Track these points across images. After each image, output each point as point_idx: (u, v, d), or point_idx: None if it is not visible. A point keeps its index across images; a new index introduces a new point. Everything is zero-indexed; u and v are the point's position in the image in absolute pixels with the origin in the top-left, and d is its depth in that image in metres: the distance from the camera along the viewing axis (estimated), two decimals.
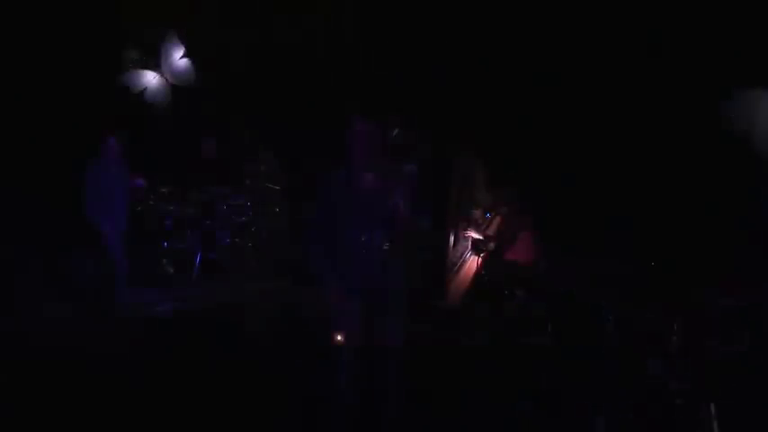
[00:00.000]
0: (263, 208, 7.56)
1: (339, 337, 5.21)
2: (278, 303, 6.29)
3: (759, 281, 4.74)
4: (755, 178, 6.64)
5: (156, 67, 7.63)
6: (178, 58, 7.68)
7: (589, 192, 7.34)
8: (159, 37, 7.59)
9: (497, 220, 6.73)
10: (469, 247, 6.69)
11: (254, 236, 7.48)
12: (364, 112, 7.60)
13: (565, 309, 5.16)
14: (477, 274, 6.46)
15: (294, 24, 8.00)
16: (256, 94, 7.99)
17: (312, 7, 7.99)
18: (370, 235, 4.08)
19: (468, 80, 7.88)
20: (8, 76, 6.92)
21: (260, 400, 4.28)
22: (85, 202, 6.09)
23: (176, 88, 7.74)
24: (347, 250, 4.05)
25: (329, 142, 7.87)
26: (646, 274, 5.17)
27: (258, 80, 8.02)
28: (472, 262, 6.59)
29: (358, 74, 8.04)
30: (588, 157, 7.47)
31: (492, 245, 6.56)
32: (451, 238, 6.44)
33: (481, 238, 6.55)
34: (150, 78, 7.65)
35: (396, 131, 7.45)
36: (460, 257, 6.66)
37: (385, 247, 4.19)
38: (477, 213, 6.73)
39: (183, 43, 7.65)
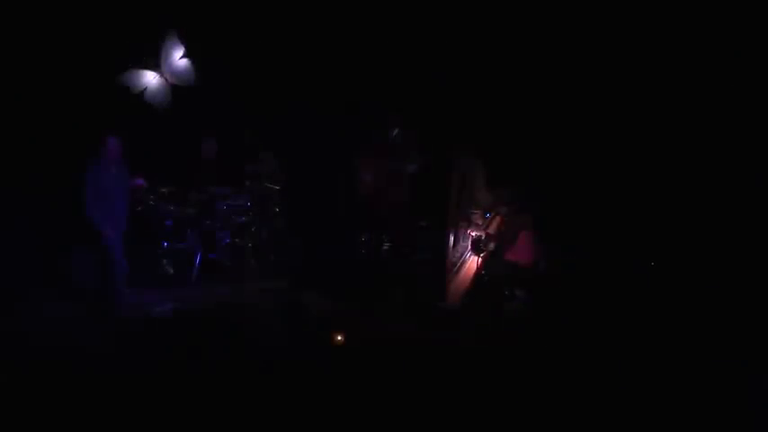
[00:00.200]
0: (263, 208, 7.55)
1: (339, 337, 5.23)
2: (278, 303, 6.28)
3: None
4: None
5: (156, 67, 7.63)
6: (178, 58, 7.67)
7: (589, 191, 7.35)
8: (159, 37, 7.59)
9: (497, 220, 6.73)
10: (469, 247, 6.70)
11: (254, 236, 7.47)
12: (364, 112, 7.65)
13: None
14: (477, 274, 6.46)
15: (294, 24, 8.01)
16: (256, 95, 7.99)
17: (312, 7, 8.00)
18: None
19: (468, 80, 7.88)
20: (8, 76, 6.92)
21: (260, 399, 4.27)
22: (85, 202, 6.09)
23: (176, 88, 7.74)
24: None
25: (329, 142, 7.91)
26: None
27: (258, 80, 8.02)
28: (472, 262, 6.59)
29: (358, 74, 8.04)
30: (588, 156, 7.48)
31: (492, 245, 6.57)
32: (451, 238, 6.44)
33: (483, 236, 6.56)
34: (150, 78, 7.65)
35: (396, 131, 7.45)
36: (460, 257, 6.67)
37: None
38: (477, 213, 6.74)
39: (182, 43, 7.65)
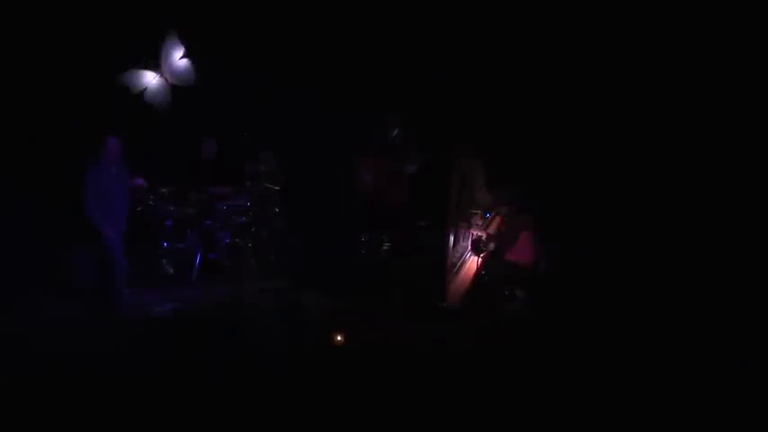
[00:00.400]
0: (263, 208, 7.55)
1: (339, 337, 5.23)
2: (278, 303, 6.28)
3: None
4: None
5: (156, 67, 7.63)
6: (178, 58, 7.67)
7: (589, 191, 7.35)
8: (159, 37, 7.59)
9: (497, 220, 6.73)
10: (469, 247, 6.70)
11: (254, 236, 7.47)
12: (364, 113, 7.65)
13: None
14: (477, 274, 6.46)
15: (294, 24, 8.02)
16: (256, 95, 7.99)
17: (312, 7, 8.00)
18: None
19: (468, 81, 7.88)
20: (8, 76, 6.92)
21: (260, 400, 4.27)
22: (85, 201, 6.09)
23: (176, 88, 7.74)
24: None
25: (329, 142, 7.91)
26: None
27: (258, 80, 8.02)
28: (472, 262, 6.59)
29: (358, 74, 8.04)
30: (588, 156, 7.48)
31: (492, 245, 6.57)
32: (451, 238, 6.44)
33: (483, 236, 6.55)
34: (150, 78, 7.65)
35: (396, 132, 7.45)
36: (460, 257, 6.66)
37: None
38: (477, 214, 6.73)
39: (182, 43, 7.65)
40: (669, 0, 7.13)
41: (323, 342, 5.22)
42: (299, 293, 6.39)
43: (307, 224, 7.75)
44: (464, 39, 7.88)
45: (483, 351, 5.19)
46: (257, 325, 5.77)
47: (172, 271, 7.15)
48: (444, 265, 6.31)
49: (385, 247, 7.51)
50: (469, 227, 6.75)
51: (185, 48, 7.66)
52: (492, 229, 6.69)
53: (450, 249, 6.40)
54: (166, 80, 7.70)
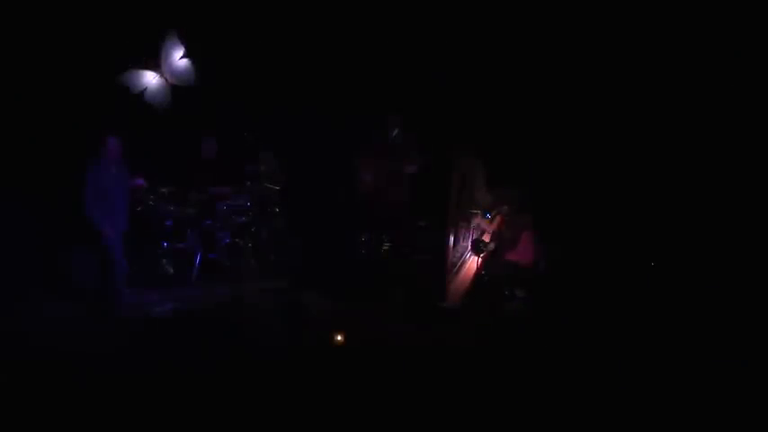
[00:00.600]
0: (262, 208, 7.55)
1: (339, 337, 5.23)
2: (278, 303, 6.28)
3: None
4: None
5: (156, 67, 7.63)
6: (178, 58, 7.67)
7: (589, 191, 7.35)
8: (159, 37, 7.59)
9: (498, 219, 6.73)
10: (469, 247, 6.70)
11: (254, 236, 7.47)
12: (364, 112, 7.65)
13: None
14: (477, 274, 6.46)
15: (294, 24, 8.02)
16: (256, 95, 7.99)
17: (312, 7, 8.00)
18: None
19: (468, 81, 7.88)
20: (8, 76, 6.92)
21: (260, 400, 4.27)
22: (85, 201, 6.09)
23: (176, 88, 7.74)
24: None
25: (329, 142, 7.91)
26: None
27: (258, 80, 8.02)
28: (472, 262, 6.59)
29: (358, 74, 8.04)
30: (588, 157, 7.48)
31: (492, 245, 6.57)
32: (451, 238, 6.44)
33: (489, 233, 6.55)
34: (150, 78, 7.65)
35: (396, 131, 7.45)
36: (460, 257, 6.66)
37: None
38: (477, 214, 6.73)
39: (182, 43, 7.65)
40: (669, 0, 7.13)
41: (323, 342, 5.22)
42: (299, 293, 6.39)
43: (307, 224, 7.75)
44: (464, 39, 7.88)
45: (483, 351, 5.19)
46: (257, 325, 5.77)
47: (172, 271, 7.15)
48: (444, 265, 6.31)
49: (385, 247, 7.51)
50: (469, 227, 6.74)
51: (185, 48, 7.66)
52: (493, 229, 6.69)
53: (450, 249, 6.39)
54: (166, 80, 7.69)
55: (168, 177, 7.16)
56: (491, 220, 6.73)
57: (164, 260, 7.14)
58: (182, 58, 7.68)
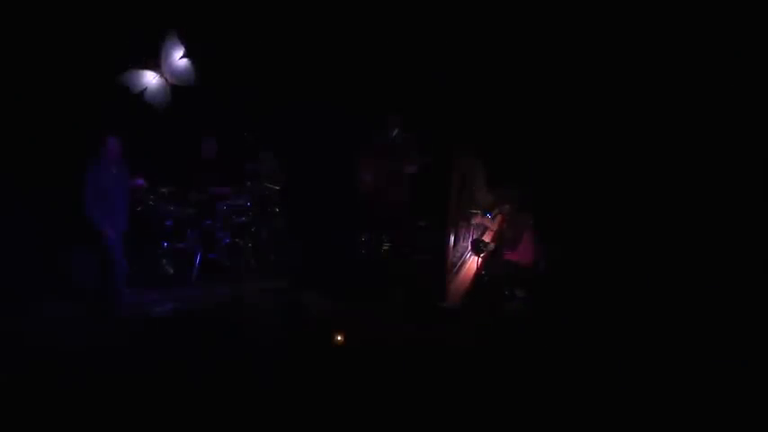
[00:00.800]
0: (263, 208, 7.55)
1: (339, 337, 5.23)
2: (278, 303, 6.28)
3: None
4: None
5: (156, 67, 7.63)
6: (178, 58, 7.68)
7: (589, 191, 7.35)
8: (159, 37, 7.59)
9: (498, 219, 6.73)
10: (469, 247, 6.69)
11: (254, 236, 7.47)
12: (364, 112, 7.65)
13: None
14: (477, 274, 6.46)
15: (294, 24, 8.02)
16: (256, 95, 7.99)
17: (312, 7, 8.00)
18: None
19: (468, 81, 7.88)
20: (8, 76, 6.92)
21: (260, 400, 4.27)
22: (85, 201, 6.09)
23: (176, 88, 7.74)
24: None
25: (329, 142, 7.91)
26: None
27: (258, 80, 8.02)
28: (472, 262, 6.59)
29: (358, 74, 8.04)
30: (588, 156, 7.48)
31: (492, 245, 6.56)
32: (451, 238, 6.43)
33: (492, 229, 6.55)
34: (150, 78, 7.65)
35: (396, 131, 7.45)
36: (460, 257, 6.66)
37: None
38: (478, 213, 6.72)
39: (182, 43, 7.65)
40: (669, 0, 7.13)
41: (323, 342, 5.22)
42: (299, 293, 6.39)
43: (307, 224, 7.75)
44: (464, 39, 7.88)
45: (483, 351, 5.19)
46: (257, 325, 5.77)
47: (172, 271, 7.15)
48: (444, 265, 6.31)
49: (385, 247, 7.51)
50: (469, 227, 6.74)
51: (185, 48, 7.66)
52: (494, 228, 6.69)
53: (451, 249, 6.39)
54: (166, 80, 7.70)
55: (168, 177, 7.16)
56: (492, 219, 6.73)
57: (164, 260, 7.14)
58: (182, 58, 7.68)
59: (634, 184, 7.30)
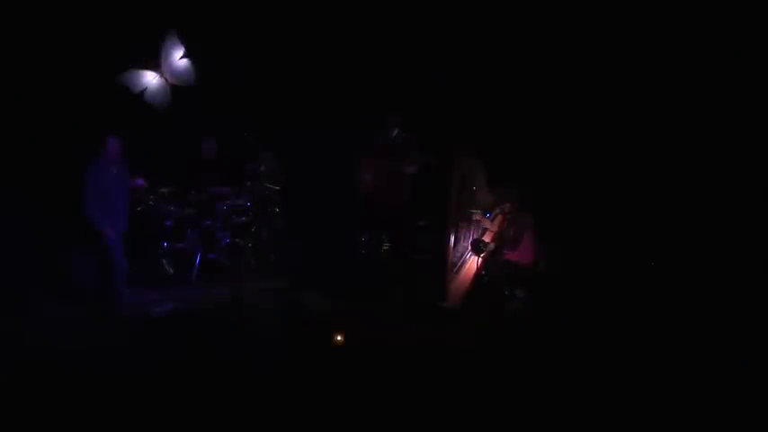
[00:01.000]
0: (263, 208, 7.55)
1: (339, 337, 5.23)
2: (278, 303, 6.28)
3: None
4: None
5: (156, 67, 7.63)
6: (178, 58, 7.68)
7: (589, 191, 7.35)
8: (159, 37, 7.59)
9: (499, 219, 6.73)
10: (469, 247, 6.70)
11: (254, 236, 7.48)
12: (364, 112, 7.65)
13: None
14: (477, 274, 6.46)
15: (294, 24, 8.02)
16: (256, 95, 7.99)
17: (312, 7, 8.00)
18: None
19: (468, 81, 7.88)
20: (8, 76, 6.92)
21: (260, 400, 4.27)
22: (85, 202, 6.09)
23: (176, 88, 7.74)
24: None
25: (329, 142, 7.91)
26: None
27: (258, 80, 8.02)
28: (472, 262, 6.59)
29: (358, 74, 8.04)
30: (588, 156, 7.48)
31: (492, 245, 6.57)
32: (452, 238, 6.43)
33: (492, 229, 6.55)
34: (150, 78, 7.65)
35: (396, 132, 7.45)
36: (460, 257, 6.66)
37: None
38: (478, 213, 6.73)
39: (182, 43, 7.65)
40: (669, 0, 7.13)
41: (323, 342, 5.22)
42: (299, 293, 6.39)
43: (307, 224, 7.75)
44: (464, 39, 7.88)
45: (483, 351, 5.19)
46: (257, 325, 5.77)
47: (172, 271, 7.15)
48: (444, 265, 6.31)
49: (385, 247, 7.51)
50: (470, 227, 6.74)
51: (185, 48, 7.66)
52: (494, 228, 6.69)
53: (451, 249, 6.39)
54: (166, 80, 7.70)
55: (168, 177, 7.16)
56: (492, 219, 6.73)
57: (164, 260, 7.14)
58: (182, 58, 7.68)
59: (634, 184, 7.30)
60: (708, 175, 7.04)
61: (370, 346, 5.22)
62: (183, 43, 7.65)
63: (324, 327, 5.43)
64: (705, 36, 6.99)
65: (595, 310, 5.97)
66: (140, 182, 6.87)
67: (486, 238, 6.61)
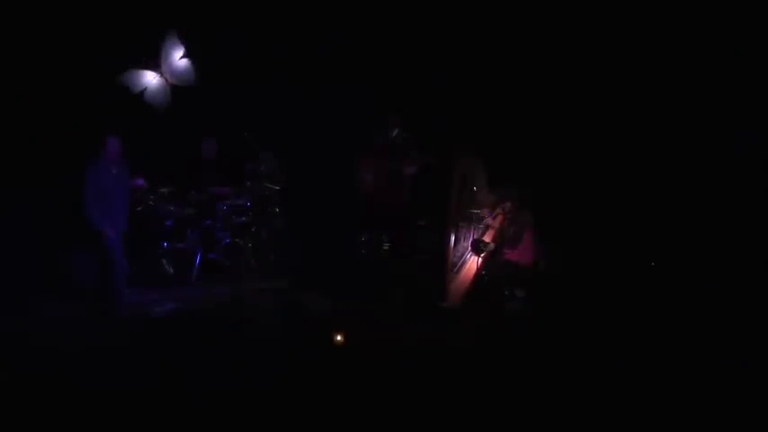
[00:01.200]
0: (263, 208, 7.56)
1: (339, 337, 5.23)
2: (278, 303, 6.28)
3: None
4: None
5: (156, 67, 7.63)
6: (178, 58, 7.68)
7: (589, 191, 7.35)
8: (159, 37, 7.59)
9: (500, 218, 6.73)
10: (469, 247, 6.70)
11: (254, 236, 7.48)
12: (364, 112, 7.65)
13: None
14: (477, 274, 6.46)
15: (294, 24, 8.02)
16: (256, 95, 7.99)
17: (312, 7, 8.00)
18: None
19: (468, 81, 7.88)
20: (8, 76, 6.92)
21: (260, 400, 4.27)
22: (85, 202, 6.09)
23: (176, 88, 7.74)
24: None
25: (329, 142, 7.91)
26: None
27: (258, 80, 8.02)
28: (472, 262, 6.59)
29: (358, 74, 8.04)
30: (588, 156, 7.49)
31: (492, 245, 6.57)
32: (452, 238, 6.43)
33: (494, 227, 6.55)
34: (150, 78, 7.65)
35: (396, 131, 7.45)
36: (461, 257, 6.66)
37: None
38: (479, 212, 6.72)
39: (182, 43, 7.65)
40: (669, 0, 7.13)
41: (323, 342, 5.22)
42: (299, 293, 6.39)
43: (307, 224, 7.75)
44: (464, 39, 7.88)
45: (483, 351, 5.19)
46: (257, 325, 5.77)
47: (172, 271, 7.15)
48: (444, 265, 6.31)
49: (385, 247, 7.51)
50: (470, 227, 6.74)
51: (185, 48, 7.66)
52: (495, 227, 6.69)
53: (451, 249, 6.39)
54: (166, 80, 7.70)
55: (168, 177, 7.16)
56: (493, 219, 6.74)
57: (164, 260, 7.14)
58: (182, 58, 7.68)
59: (634, 184, 7.30)
60: (708, 175, 7.04)
61: (370, 346, 5.22)
62: (183, 43, 7.65)
63: (324, 327, 5.43)
64: (705, 36, 6.99)
65: (595, 310, 5.97)
66: (140, 182, 6.87)
67: (487, 239, 6.61)
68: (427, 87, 7.90)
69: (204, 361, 4.75)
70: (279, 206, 7.65)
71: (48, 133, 7.00)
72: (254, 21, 7.91)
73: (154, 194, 7.05)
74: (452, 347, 5.29)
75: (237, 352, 4.95)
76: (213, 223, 7.28)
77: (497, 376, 4.67)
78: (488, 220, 6.70)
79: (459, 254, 6.64)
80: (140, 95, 7.61)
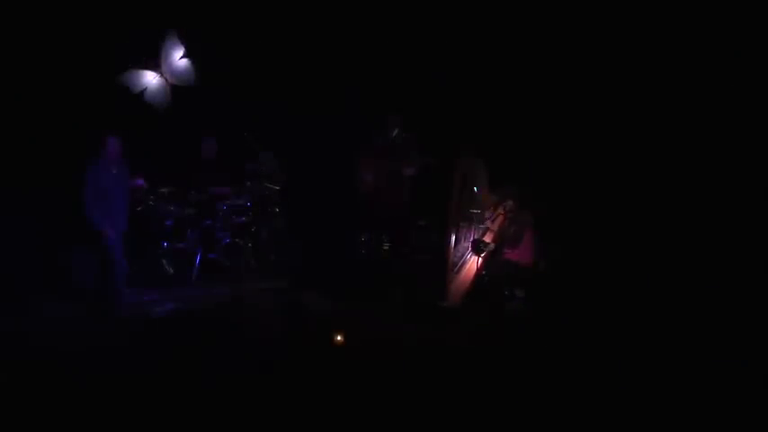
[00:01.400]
0: (263, 208, 7.56)
1: (339, 337, 5.23)
2: (278, 303, 6.28)
3: None
4: None
5: (156, 67, 7.63)
6: (178, 58, 7.68)
7: (589, 191, 7.35)
8: (159, 37, 7.59)
9: (500, 218, 6.73)
10: (469, 247, 6.70)
11: (254, 236, 7.48)
12: (364, 112, 7.65)
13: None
14: (478, 274, 6.46)
15: (294, 24, 8.02)
16: (256, 95, 7.99)
17: (312, 7, 8.00)
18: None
19: (468, 81, 7.88)
20: (8, 76, 6.92)
21: (260, 400, 4.27)
22: (85, 202, 6.09)
23: (176, 88, 7.74)
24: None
25: (329, 142, 7.91)
26: None
27: (258, 80, 8.02)
28: (472, 262, 6.59)
29: (358, 74, 8.04)
30: (588, 156, 7.48)
31: (492, 245, 6.56)
32: (452, 238, 6.43)
33: (494, 227, 6.55)
34: (150, 78, 7.65)
35: (396, 132, 7.45)
36: (461, 257, 6.66)
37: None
38: (479, 212, 6.72)
39: (182, 43, 7.65)
40: (669, 0, 7.13)
41: (323, 342, 5.22)
42: (299, 293, 6.39)
43: (307, 224, 7.75)
44: (464, 39, 7.87)
45: (483, 351, 5.19)
46: (257, 325, 5.77)
47: (172, 271, 7.15)
48: (444, 265, 6.31)
49: (385, 247, 7.51)
50: (470, 227, 6.74)
51: (185, 48, 7.66)
52: (495, 227, 6.69)
53: (451, 249, 6.39)
54: (166, 80, 7.70)
55: (168, 177, 7.16)
56: (494, 219, 6.74)
57: (164, 260, 7.14)
58: (182, 58, 7.68)
59: (634, 184, 7.29)
60: (708, 175, 7.04)
61: (370, 346, 5.22)
62: (183, 43, 7.65)
63: (324, 327, 5.42)
64: (705, 36, 6.99)
65: (595, 310, 5.97)
66: (140, 182, 6.87)
67: (487, 239, 6.61)
68: (427, 87, 7.90)
69: (204, 361, 4.75)
70: (279, 206, 7.66)
71: (48, 133, 7.00)
72: (254, 20, 7.90)
73: (154, 194, 7.05)
74: (452, 347, 5.29)
75: (237, 352, 4.95)
76: (213, 223, 7.28)
77: (497, 376, 4.67)
78: (489, 221, 6.70)
79: (459, 254, 6.64)
80: (140, 95, 7.61)
